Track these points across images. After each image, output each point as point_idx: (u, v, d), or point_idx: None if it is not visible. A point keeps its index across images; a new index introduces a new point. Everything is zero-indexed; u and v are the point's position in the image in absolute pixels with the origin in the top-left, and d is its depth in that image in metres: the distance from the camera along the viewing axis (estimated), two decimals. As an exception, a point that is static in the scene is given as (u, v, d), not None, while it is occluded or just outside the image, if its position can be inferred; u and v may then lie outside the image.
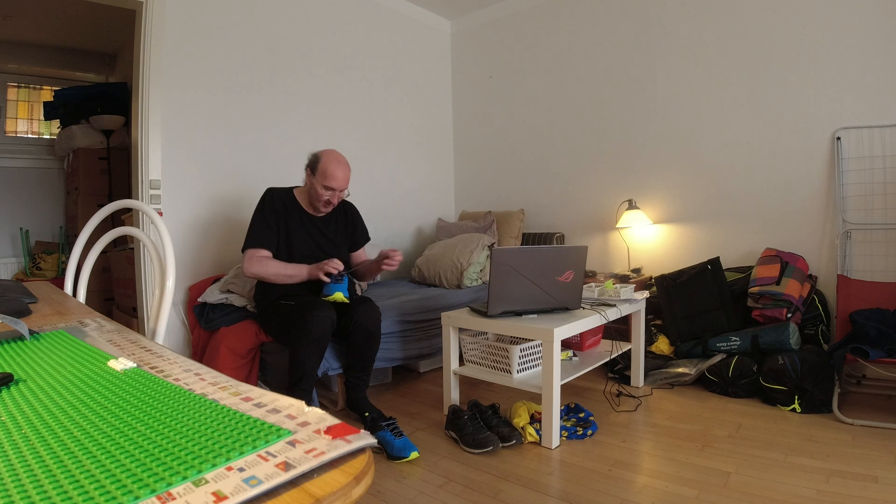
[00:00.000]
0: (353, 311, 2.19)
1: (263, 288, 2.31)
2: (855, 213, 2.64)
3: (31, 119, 4.49)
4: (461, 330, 2.32)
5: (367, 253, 2.56)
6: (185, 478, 0.41)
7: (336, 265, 2.13)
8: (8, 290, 1.31)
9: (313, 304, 2.06)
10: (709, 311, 2.62)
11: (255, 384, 0.74)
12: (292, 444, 0.47)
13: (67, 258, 2.01)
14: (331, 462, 0.44)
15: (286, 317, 2.15)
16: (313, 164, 2.26)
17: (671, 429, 2.10)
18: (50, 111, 4.19)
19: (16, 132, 4.41)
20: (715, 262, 2.70)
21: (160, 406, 0.57)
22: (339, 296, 2.11)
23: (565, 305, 2.22)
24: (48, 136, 4.53)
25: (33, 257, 4.19)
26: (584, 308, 2.29)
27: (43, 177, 4.43)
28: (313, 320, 2.01)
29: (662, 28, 3.26)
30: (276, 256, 2.26)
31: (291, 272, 2.19)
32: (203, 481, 0.40)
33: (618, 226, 3.40)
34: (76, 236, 1.65)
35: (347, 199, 2.40)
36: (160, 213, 2.59)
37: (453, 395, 2.30)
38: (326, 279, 2.12)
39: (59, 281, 3.39)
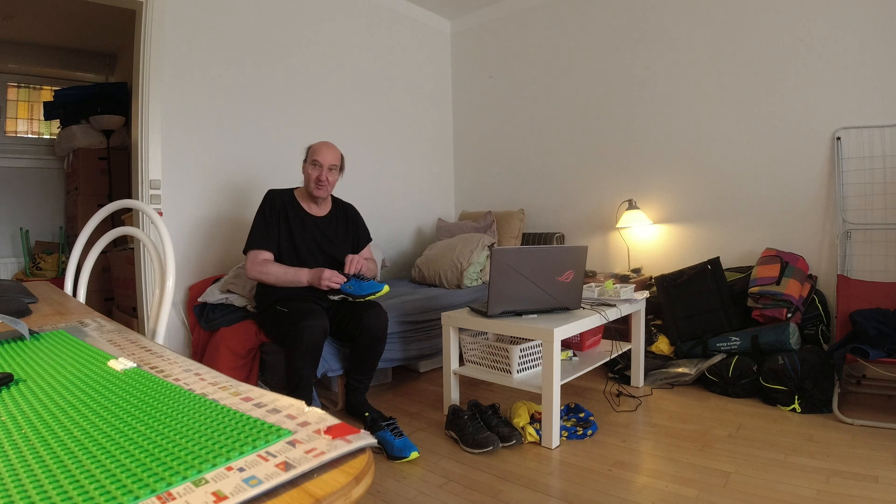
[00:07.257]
0: (361, 316, 2.19)
1: (263, 289, 2.31)
2: (855, 213, 2.64)
3: (31, 119, 4.49)
4: (461, 330, 2.32)
5: (372, 252, 2.58)
6: (185, 478, 0.41)
7: (336, 280, 2.16)
8: (8, 290, 1.31)
9: (305, 313, 2.05)
10: (709, 311, 2.62)
11: (255, 384, 0.74)
12: (292, 444, 0.47)
13: (67, 258, 2.01)
14: (331, 462, 0.44)
15: (280, 324, 2.15)
16: (306, 154, 2.37)
17: (671, 429, 2.10)
18: (50, 111, 4.19)
19: (16, 132, 4.41)
20: (715, 262, 2.70)
21: (160, 406, 0.57)
22: (386, 289, 2.22)
23: (565, 305, 2.22)
24: (48, 136, 4.53)
25: (33, 257, 4.19)
26: (584, 308, 2.28)
27: (43, 177, 4.43)
28: (304, 331, 2.00)
29: (662, 28, 3.26)
30: (282, 257, 2.26)
31: (291, 277, 2.20)
32: (203, 481, 0.40)
33: (618, 226, 3.40)
34: (76, 236, 1.64)
35: (340, 188, 2.43)
36: (160, 213, 2.58)
37: (453, 395, 2.30)
38: (335, 285, 2.15)
39: (59, 281, 3.38)
